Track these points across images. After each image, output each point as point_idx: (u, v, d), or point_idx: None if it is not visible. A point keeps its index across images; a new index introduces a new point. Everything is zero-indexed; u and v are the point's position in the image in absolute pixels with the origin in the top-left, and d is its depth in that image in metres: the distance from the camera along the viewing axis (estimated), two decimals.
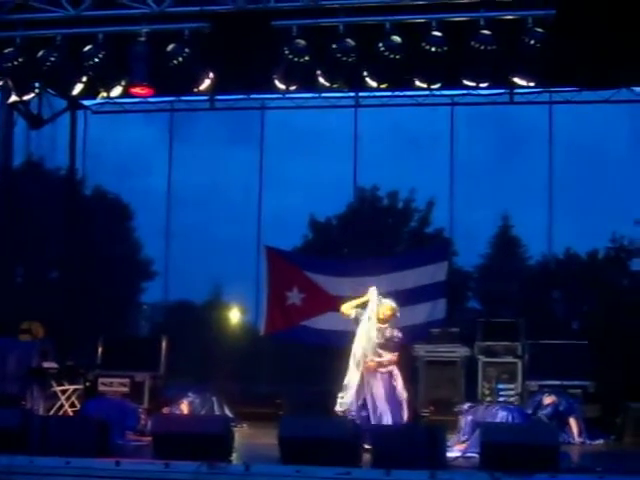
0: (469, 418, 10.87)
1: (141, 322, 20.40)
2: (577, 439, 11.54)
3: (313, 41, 11.22)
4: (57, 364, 13.13)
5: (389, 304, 10.61)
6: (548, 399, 11.94)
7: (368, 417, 10.20)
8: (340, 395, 10.41)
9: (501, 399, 13.26)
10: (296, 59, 11.21)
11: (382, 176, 17.84)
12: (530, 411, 11.87)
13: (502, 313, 15.72)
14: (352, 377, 10.36)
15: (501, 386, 13.62)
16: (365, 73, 11.50)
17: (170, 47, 11.45)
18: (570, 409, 11.88)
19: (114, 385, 13.70)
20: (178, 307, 18.77)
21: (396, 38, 11.05)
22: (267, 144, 17.02)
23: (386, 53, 11.06)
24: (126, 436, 10.90)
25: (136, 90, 12.06)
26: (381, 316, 10.53)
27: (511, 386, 13.63)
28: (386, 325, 10.55)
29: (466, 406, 11.35)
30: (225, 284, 18.04)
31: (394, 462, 8.33)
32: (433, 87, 12.06)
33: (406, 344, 14.41)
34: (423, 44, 10.98)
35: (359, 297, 10.77)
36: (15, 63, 11.72)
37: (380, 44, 11.05)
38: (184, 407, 12.27)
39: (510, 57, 11.05)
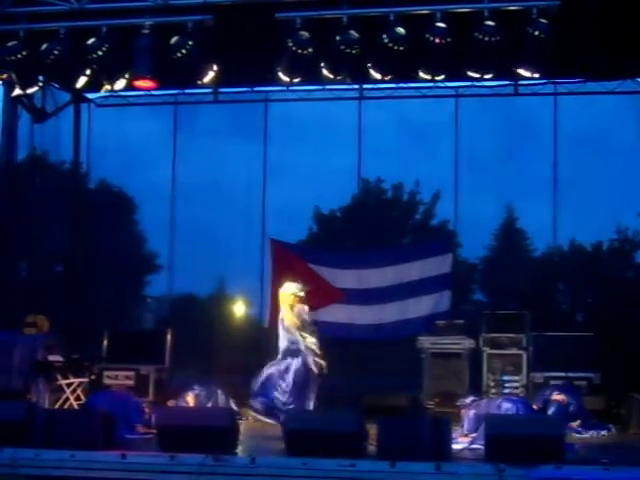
0: (472, 412, 10.85)
1: (146, 315, 20.39)
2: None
3: (317, 33, 11.21)
4: (62, 357, 13.15)
5: (286, 291, 11.04)
6: (557, 396, 11.86)
7: None
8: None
9: (506, 391, 13.28)
10: (300, 51, 11.21)
11: (387, 168, 17.79)
12: (540, 405, 11.80)
13: (507, 305, 15.69)
14: None
15: (506, 378, 13.63)
16: (369, 65, 11.49)
17: (174, 40, 11.45)
18: (578, 413, 11.73)
19: (119, 378, 13.72)
20: (183, 300, 18.76)
21: (400, 29, 11.04)
22: (271, 136, 17.00)
23: (390, 45, 11.04)
24: (136, 429, 10.92)
25: (140, 83, 12.06)
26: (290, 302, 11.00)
27: (516, 378, 13.64)
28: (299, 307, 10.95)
29: (469, 400, 11.33)
30: (230, 277, 18.01)
31: (399, 454, 8.34)
32: (437, 79, 12.04)
33: (411, 336, 14.60)
34: (427, 35, 10.96)
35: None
36: (19, 56, 11.73)
37: (384, 36, 11.04)
38: (190, 400, 12.27)
39: (514, 48, 11.03)
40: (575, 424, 11.34)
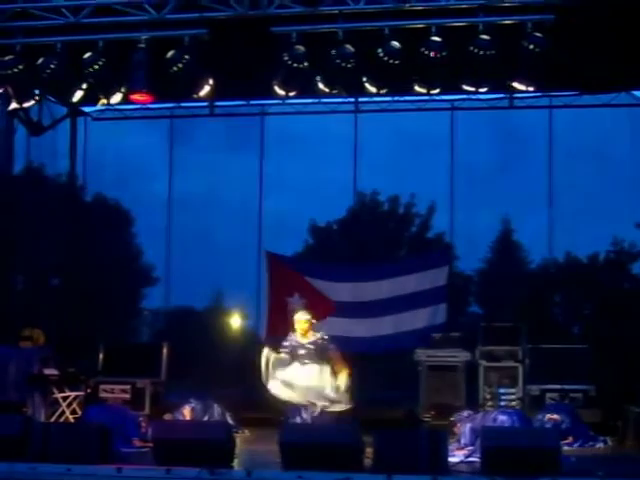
0: (468, 426, 10.85)
1: (142, 328, 20.40)
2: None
3: (312, 47, 11.24)
4: (58, 371, 13.09)
5: (302, 317, 10.83)
6: (551, 416, 11.81)
7: None
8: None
9: (502, 403, 13.28)
10: (295, 65, 11.24)
11: (382, 181, 17.85)
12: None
13: (503, 317, 15.70)
14: None
15: (502, 390, 13.63)
16: (364, 79, 11.52)
17: (170, 54, 11.47)
18: (570, 430, 11.70)
19: (115, 391, 13.71)
20: (179, 313, 18.76)
21: (395, 43, 11.07)
22: (267, 150, 17.04)
23: (385, 58, 11.08)
24: (132, 442, 10.92)
25: (136, 97, 12.08)
26: (301, 332, 10.73)
27: (512, 390, 13.65)
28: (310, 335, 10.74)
29: (465, 414, 11.33)
30: (226, 290, 18.03)
31: (395, 467, 8.34)
32: (433, 92, 12.05)
33: (408, 349, 14.62)
34: (422, 49, 10.99)
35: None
36: (15, 70, 11.74)
37: (379, 49, 11.07)
38: (186, 413, 12.26)
39: (509, 62, 11.07)
40: (566, 441, 11.30)
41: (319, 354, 10.58)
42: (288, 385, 10.42)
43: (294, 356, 10.60)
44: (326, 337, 10.79)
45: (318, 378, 10.45)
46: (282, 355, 10.65)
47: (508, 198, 16.75)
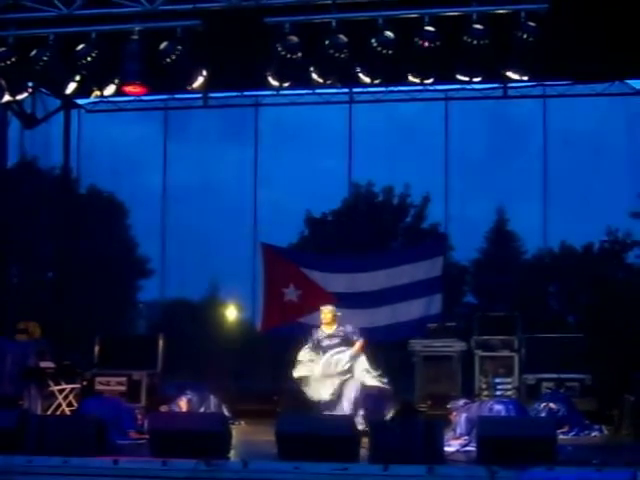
0: (463, 416, 10.86)
1: (138, 320, 20.42)
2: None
3: (306, 37, 11.21)
4: (54, 363, 13.10)
5: (325, 309, 11.63)
6: (547, 405, 11.84)
7: None
8: None
9: (498, 393, 13.30)
10: (289, 55, 11.20)
11: (377, 172, 17.86)
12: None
13: (498, 307, 15.76)
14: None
15: (498, 380, 13.65)
16: (358, 69, 11.48)
17: (163, 45, 11.43)
18: (566, 419, 11.72)
19: (111, 384, 13.71)
20: (175, 305, 18.76)
21: (389, 33, 11.04)
22: (261, 141, 17.02)
23: (379, 49, 11.05)
24: (128, 434, 10.93)
25: (129, 88, 12.03)
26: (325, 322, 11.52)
27: (508, 380, 13.67)
28: (334, 326, 11.46)
29: (461, 402, 11.34)
30: (222, 281, 18.05)
31: (392, 457, 8.34)
32: (427, 82, 12.02)
33: (403, 339, 14.64)
34: (416, 39, 10.97)
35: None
36: (8, 62, 11.70)
37: (373, 40, 11.04)
38: (182, 405, 12.26)
39: (503, 51, 11.05)
40: (561, 430, 11.31)
41: (344, 343, 11.32)
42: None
43: (319, 348, 11.36)
44: (350, 328, 11.53)
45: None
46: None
47: (503, 188, 16.77)
